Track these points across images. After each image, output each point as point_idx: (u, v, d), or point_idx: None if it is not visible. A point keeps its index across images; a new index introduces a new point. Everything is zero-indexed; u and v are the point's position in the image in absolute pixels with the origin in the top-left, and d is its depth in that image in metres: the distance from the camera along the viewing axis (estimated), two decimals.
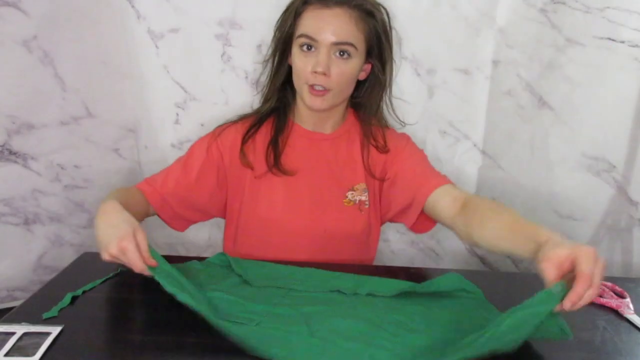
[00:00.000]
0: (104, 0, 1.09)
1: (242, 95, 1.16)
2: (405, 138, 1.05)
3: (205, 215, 1.03)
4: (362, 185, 1.00)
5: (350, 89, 0.96)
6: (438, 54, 1.14)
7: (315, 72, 0.88)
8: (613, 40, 1.02)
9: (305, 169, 0.98)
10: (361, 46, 0.91)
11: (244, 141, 0.97)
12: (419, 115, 1.18)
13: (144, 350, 0.68)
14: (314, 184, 0.98)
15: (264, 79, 1.02)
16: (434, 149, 1.22)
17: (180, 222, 1.00)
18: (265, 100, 1.00)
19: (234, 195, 1.00)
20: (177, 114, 1.18)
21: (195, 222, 1.03)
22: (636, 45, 1.01)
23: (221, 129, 1.00)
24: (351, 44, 0.88)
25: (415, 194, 0.94)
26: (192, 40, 1.13)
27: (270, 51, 0.98)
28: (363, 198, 0.99)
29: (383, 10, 0.93)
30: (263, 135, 0.99)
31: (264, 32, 1.11)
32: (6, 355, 0.64)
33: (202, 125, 1.18)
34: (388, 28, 0.94)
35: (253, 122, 0.99)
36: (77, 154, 1.13)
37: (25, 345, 0.66)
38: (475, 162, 1.23)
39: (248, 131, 0.98)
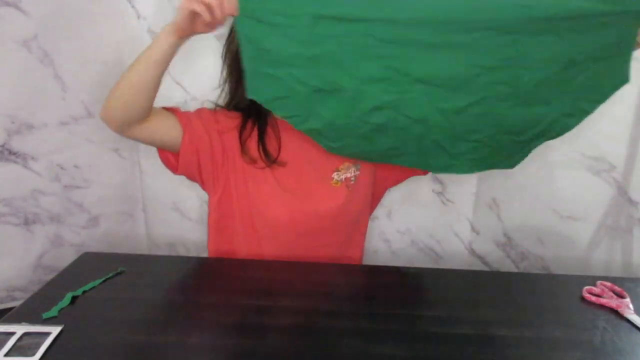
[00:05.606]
0: (104, 0, 1.09)
1: None
2: None
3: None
4: (346, 164, 1.02)
5: None
6: None
7: None
8: None
9: (294, 157, 1.00)
10: None
11: (242, 142, 0.98)
12: None
13: (144, 351, 0.68)
14: (302, 170, 1.00)
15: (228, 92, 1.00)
16: None
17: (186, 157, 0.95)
18: (242, 107, 0.99)
19: (233, 187, 0.99)
20: None
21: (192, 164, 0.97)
22: None
23: (218, 115, 0.98)
24: None
25: None
26: (192, 40, 1.12)
27: (226, 73, 0.98)
28: (349, 175, 1.02)
29: None
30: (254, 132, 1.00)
31: None
32: (6, 355, 0.64)
33: None
34: None
35: (241, 124, 0.98)
36: (77, 154, 1.13)
37: (25, 345, 0.66)
38: None
39: (241, 134, 0.98)
